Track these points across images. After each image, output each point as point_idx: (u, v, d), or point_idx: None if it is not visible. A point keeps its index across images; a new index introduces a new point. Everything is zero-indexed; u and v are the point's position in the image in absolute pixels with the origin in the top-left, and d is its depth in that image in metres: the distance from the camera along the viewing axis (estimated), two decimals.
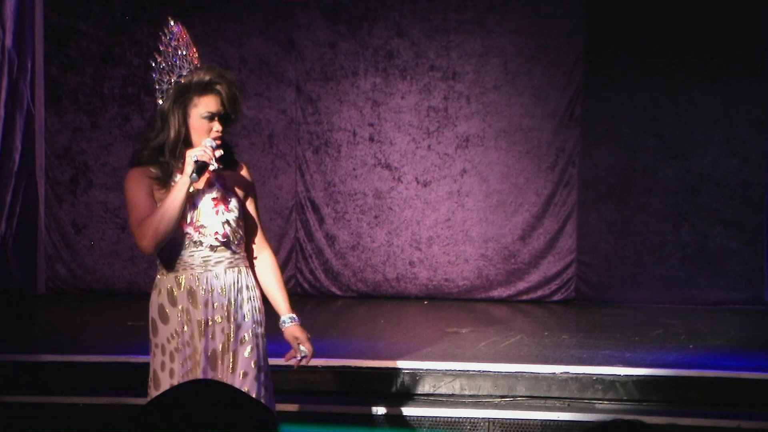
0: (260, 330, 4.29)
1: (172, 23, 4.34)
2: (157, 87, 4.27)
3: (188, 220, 4.17)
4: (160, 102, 4.23)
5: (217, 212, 4.21)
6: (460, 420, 6.02)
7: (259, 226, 4.42)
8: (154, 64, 4.31)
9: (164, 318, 4.22)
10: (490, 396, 6.29)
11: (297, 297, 9.44)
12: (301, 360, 4.32)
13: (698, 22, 9.12)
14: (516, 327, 8.47)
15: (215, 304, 4.19)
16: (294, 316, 4.37)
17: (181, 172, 4.16)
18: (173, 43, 4.29)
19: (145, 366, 6.43)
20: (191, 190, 4.14)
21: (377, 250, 9.62)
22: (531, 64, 9.55)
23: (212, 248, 4.20)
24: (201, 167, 4.08)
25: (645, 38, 9.19)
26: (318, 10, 9.67)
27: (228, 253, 4.23)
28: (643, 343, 7.27)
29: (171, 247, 4.18)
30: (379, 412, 6.10)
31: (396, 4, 9.64)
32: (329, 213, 9.71)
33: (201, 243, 4.19)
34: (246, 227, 4.34)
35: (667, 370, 6.38)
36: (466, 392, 6.31)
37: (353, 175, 9.67)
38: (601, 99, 9.40)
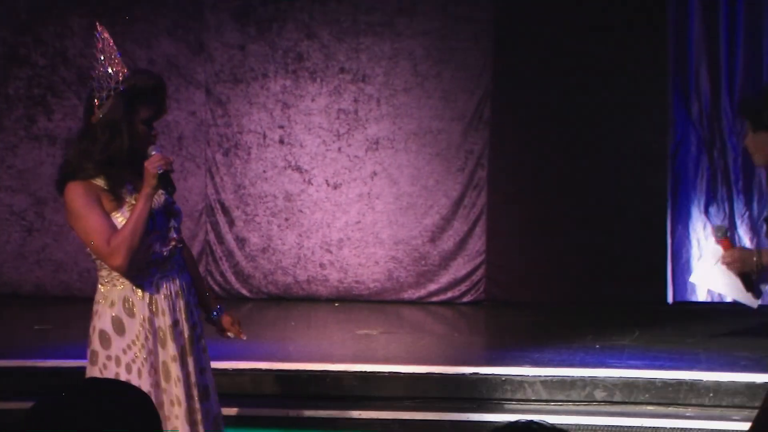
0: (202, 328, 4.37)
1: (100, 30, 4.24)
2: (96, 96, 4.14)
3: (150, 229, 4.13)
4: (99, 112, 4.11)
5: (170, 219, 4.21)
6: (371, 421, 6.05)
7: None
8: (93, 74, 4.20)
9: (119, 329, 4.15)
10: (401, 398, 6.32)
11: None
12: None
13: (604, 24, 9.25)
14: (426, 328, 8.53)
15: (173, 309, 4.19)
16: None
17: (132, 182, 4.12)
18: (106, 51, 4.22)
19: (52, 370, 6.39)
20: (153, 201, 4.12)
21: (288, 253, 9.61)
22: (440, 67, 9.61)
23: (168, 254, 4.20)
24: (169, 176, 4.07)
25: (552, 41, 9.30)
26: (227, 12, 9.63)
27: (177, 257, 4.25)
28: (550, 344, 7.36)
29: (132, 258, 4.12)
30: (290, 415, 6.11)
31: (305, 6, 9.63)
32: (239, 215, 9.67)
33: (160, 250, 4.18)
34: None
35: (574, 369, 6.47)
36: (377, 394, 6.33)
37: (263, 177, 9.65)
38: (509, 101, 9.49)
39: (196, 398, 4.23)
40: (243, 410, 6.11)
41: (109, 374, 4.13)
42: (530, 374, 6.32)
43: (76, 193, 4.08)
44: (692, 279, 4.72)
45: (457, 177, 9.57)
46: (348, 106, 9.64)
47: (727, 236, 4.45)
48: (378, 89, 9.62)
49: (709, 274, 4.48)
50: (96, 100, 4.13)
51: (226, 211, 9.66)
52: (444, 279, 9.58)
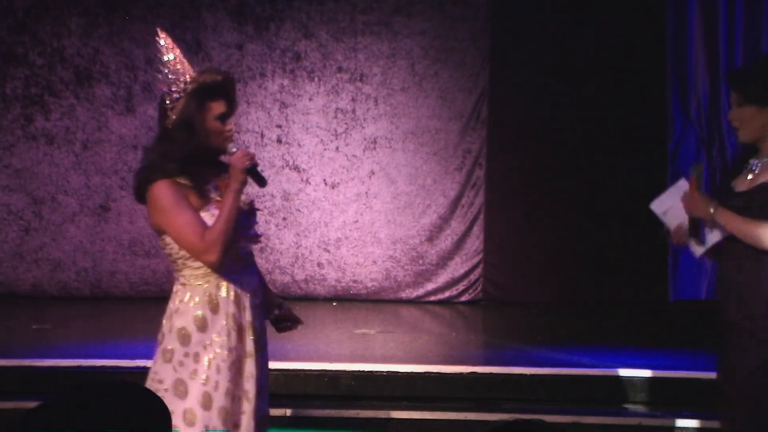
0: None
1: (162, 36, 4.25)
2: (167, 99, 4.16)
3: (239, 226, 4.16)
4: (172, 114, 4.14)
5: (250, 216, 4.25)
6: (369, 420, 6.04)
7: None
8: (161, 77, 4.20)
9: (202, 326, 4.14)
10: (399, 397, 6.32)
11: None
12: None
13: (602, 22, 9.25)
14: (424, 328, 8.53)
15: (254, 306, 4.23)
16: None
17: (213, 180, 4.16)
18: (169, 54, 4.22)
19: (50, 370, 6.38)
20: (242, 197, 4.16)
21: (285, 252, 9.61)
22: (437, 66, 9.62)
23: (250, 251, 4.25)
24: (255, 172, 4.12)
25: (550, 40, 9.30)
26: (225, 11, 9.63)
27: (253, 257, 4.30)
28: (548, 343, 7.36)
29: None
30: (288, 414, 6.10)
31: (303, 6, 9.63)
32: None
33: (245, 247, 4.22)
34: None
35: (572, 369, 6.47)
36: (375, 393, 6.33)
37: None
38: (506, 101, 9.49)
39: (259, 395, 4.27)
40: None
41: (185, 371, 4.11)
42: (528, 373, 6.32)
43: (164, 192, 4.07)
44: (651, 205, 4.65)
45: (455, 176, 9.57)
46: (346, 105, 9.63)
47: (697, 177, 4.40)
48: (376, 89, 9.62)
49: (666, 205, 4.47)
50: (168, 103, 4.16)
51: None
52: (442, 278, 9.58)
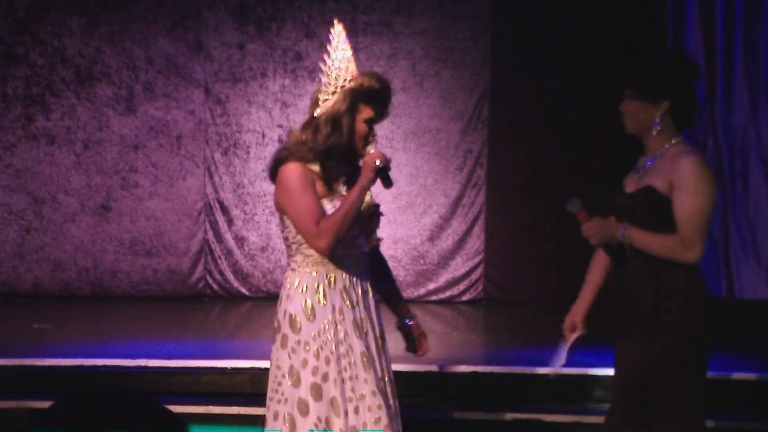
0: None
1: (338, 27, 4.31)
2: (323, 90, 4.27)
3: (357, 223, 4.23)
4: (324, 106, 4.24)
5: (372, 219, 4.33)
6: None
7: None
8: (323, 67, 4.29)
9: (311, 315, 4.20)
10: (400, 396, 6.32)
11: (206, 298, 9.40)
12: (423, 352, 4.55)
13: (602, 23, 9.25)
14: (425, 327, 8.51)
15: (365, 305, 4.28)
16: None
17: (347, 176, 4.22)
18: (340, 49, 4.29)
19: (51, 369, 6.38)
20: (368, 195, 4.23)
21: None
22: (438, 66, 9.62)
23: (366, 252, 4.31)
24: (386, 171, 4.16)
25: (550, 40, 9.31)
26: (226, 11, 9.63)
27: (370, 257, 4.35)
28: (549, 342, 7.35)
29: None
30: None
31: (304, 6, 9.64)
32: (238, 214, 9.68)
33: (362, 246, 4.29)
34: None
35: (573, 368, 6.46)
36: None
37: (262, 176, 9.64)
38: (507, 100, 9.49)
39: (391, 395, 4.29)
40: (242, 409, 6.10)
41: (298, 358, 4.16)
42: (529, 373, 6.32)
43: (293, 173, 4.18)
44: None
45: (456, 176, 9.57)
46: None
47: (583, 208, 4.39)
48: None
49: None
50: (322, 95, 4.26)
51: (225, 210, 9.66)
52: (443, 278, 9.59)
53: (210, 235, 9.70)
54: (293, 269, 4.27)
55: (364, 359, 4.21)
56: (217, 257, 9.68)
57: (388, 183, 4.20)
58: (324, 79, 4.29)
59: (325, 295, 4.21)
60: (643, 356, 4.17)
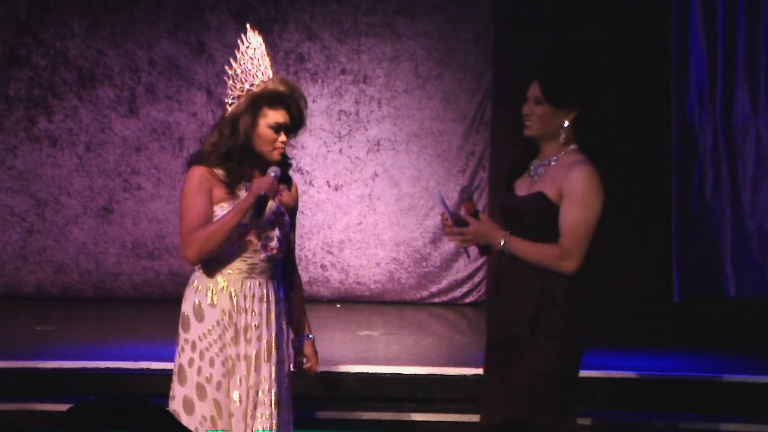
0: (284, 340, 4.40)
1: (250, 31, 4.34)
2: (229, 93, 4.29)
3: (254, 229, 4.22)
4: (229, 108, 4.27)
5: (274, 227, 4.27)
6: (373, 422, 6.04)
7: (293, 245, 4.51)
8: (229, 71, 4.30)
9: (199, 316, 4.24)
10: (402, 399, 6.32)
11: None
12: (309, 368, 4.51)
13: (605, 25, 9.24)
14: (428, 330, 8.53)
15: (255, 311, 4.25)
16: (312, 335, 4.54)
17: (248, 181, 4.22)
18: (249, 52, 4.32)
19: (53, 371, 6.38)
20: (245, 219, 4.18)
21: None
22: (441, 68, 9.61)
23: (263, 259, 4.26)
24: (265, 202, 4.11)
25: (552, 41, 9.29)
26: (228, 13, 9.63)
27: (272, 265, 4.30)
28: None
29: (225, 251, 4.22)
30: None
31: (307, 8, 9.63)
32: None
33: (258, 252, 4.25)
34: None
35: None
36: (379, 395, 6.32)
37: None
38: (510, 102, 9.41)
39: (269, 405, 4.26)
40: None
41: (185, 357, 4.23)
42: None
43: (191, 177, 4.23)
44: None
45: (458, 178, 9.56)
46: (349, 107, 9.63)
47: (471, 199, 4.38)
48: (379, 90, 9.62)
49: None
50: (229, 98, 4.29)
51: None
52: (445, 280, 9.58)
53: None
54: (194, 270, 4.33)
55: (250, 365, 4.22)
56: None
57: (257, 214, 4.13)
58: (229, 83, 4.30)
59: (214, 297, 4.24)
60: (526, 361, 4.16)
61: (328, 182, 9.64)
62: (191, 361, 4.22)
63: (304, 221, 9.59)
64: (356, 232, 9.63)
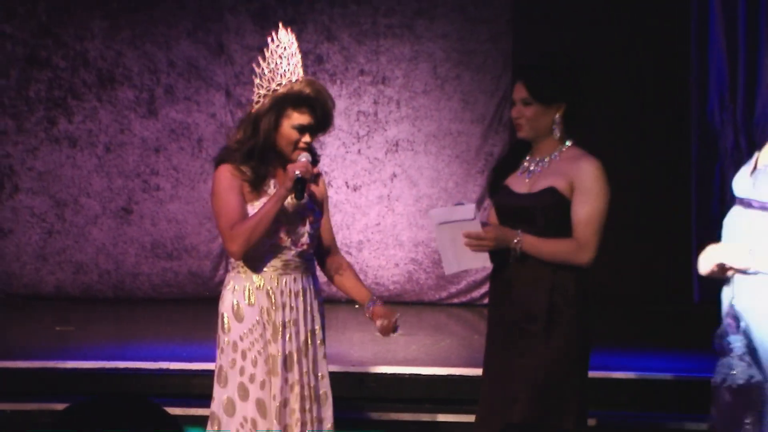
0: (324, 335, 4.46)
1: (282, 30, 4.39)
2: (255, 91, 4.34)
3: (283, 226, 4.26)
4: (256, 107, 4.30)
5: (305, 222, 4.33)
6: (391, 423, 6.04)
7: (332, 234, 4.61)
8: (257, 69, 4.36)
9: (239, 316, 4.27)
10: (421, 399, 6.31)
11: None
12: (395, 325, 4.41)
13: (624, 25, 9.22)
14: (447, 330, 8.52)
15: (293, 307, 4.29)
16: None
17: (275, 178, 4.27)
18: (279, 51, 4.36)
19: (73, 371, 6.40)
20: (287, 203, 4.24)
21: None
22: (459, 69, 9.61)
23: (296, 255, 4.30)
24: (303, 183, 4.16)
25: (571, 42, 9.27)
26: (247, 14, 9.64)
27: (304, 260, 4.34)
28: None
29: (258, 249, 4.24)
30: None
31: (325, 9, 9.64)
32: None
33: (289, 249, 4.28)
34: (321, 235, 4.50)
35: (593, 372, 6.43)
36: (397, 396, 6.32)
37: None
38: None
39: (309, 399, 4.29)
40: None
41: (226, 358, 4.24)
42: None
43: (221, 175, 4.26)
44: (431, 212, 4.54)
45: (477, 179, 9.55)
46: (368, 108, 9.64)
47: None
48: (398, 91, 9.62)
49: (445, 219, 4.26)
50: (255, 96, 4.34)
51: None
52: (464, 281, 9.57)
53: None
54: (229, 270, 4.36)
55: (291, 361, 4.25)
56: None
57: (299, 195, 4.20)
58: (256, 81, 4.34)
59: (252, 296, 4.26)
60: (541, 356, 4.17)
61: (346, 183, 9.64)
62: (233, 362, 4.24)
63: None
64: (375, 232, 9.63)
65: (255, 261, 4.26)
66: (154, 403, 2.20)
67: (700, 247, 4.20)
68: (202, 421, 4.56)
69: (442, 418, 6.08)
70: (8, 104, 9.62)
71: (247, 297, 4.26)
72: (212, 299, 9.50)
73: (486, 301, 9.43)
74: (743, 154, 9.02)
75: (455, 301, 9.58)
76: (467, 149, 9.61)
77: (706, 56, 9.14)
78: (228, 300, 4.30)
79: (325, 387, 4.39)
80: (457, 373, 6.39)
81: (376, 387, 6.34)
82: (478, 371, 6.35)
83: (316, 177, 4.45)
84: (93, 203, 9.60)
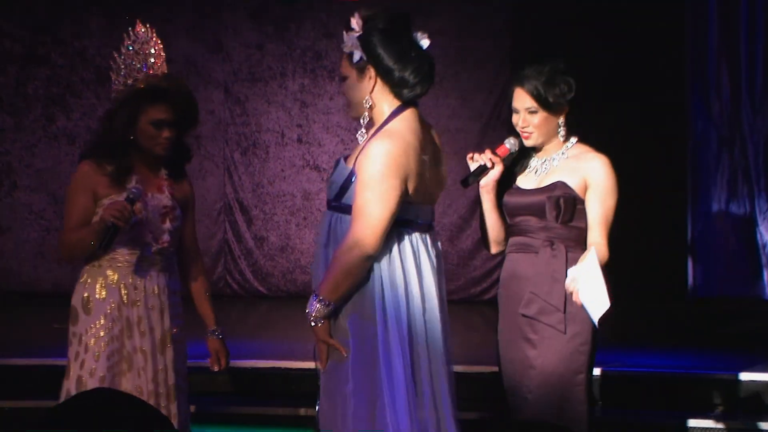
0: (182, 334, 4.38)
1: (140, 27, 4.34)
2: (113, 87, 4.34)
3: (143, 223, 4.20)
4: (113, 102, 4.31)
5: (164, 220, 4.25)
6: None
7: (194, 237, 4.49)
8: (113, 65, 4.35)
9: (87, 309, 4.23)
10: None
11: (226, 298, 9.41)
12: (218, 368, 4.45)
13: (622, 23, 9.22)
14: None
15: (148, 304, 4.24)
16: (219, 330, 4.46)
17: (138, 174, 4.23)
18: (134, 47, 4.36)
19: None
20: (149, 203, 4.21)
21: (306, 251, 9.62)
22: (457, 67, 9.61)
23: (154, 252, 4.24)
24: (114, 232, 4.06)
25: (569, 40, 9.27)
26: (245, 11, 9.65)
27: (163, 258, 4.28)
28: None
29: (116, 244, 4.18)
30: (310, 414, 6.10)
31: (323, 6, 9.64)
32: (258, 214, 9.68)
33: (146, 246, 4.23)
34: (182, 237, 4.40)
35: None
36: None
37: (281, 176, 9.66)
38: None
39: (166, 396, 4.25)
40: (260, 409, 6.12)
41: (72, 350, 4.21)
42: None
43: (77, 174, 4.30)
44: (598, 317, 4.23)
45: None
46: None
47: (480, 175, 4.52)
48: None
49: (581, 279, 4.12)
50: (113, 92, 4.35)
51: (244, 210, 9.67)
52: (462, 278, 9.58)
53: (229, 235, 9.71)
54: (86, 262, 4.32)
55: (138, 358, 4.20)
56: (236, 257, 9.69)
57: (100, 244, 4.09)
58: (113, 77, 4.36)
59: (104, 291, 4.22)
60: (559, 349, 4.18)
61: None
62: (76, 355, 4.20)
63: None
64: None
65: (113, 256, 4.21)
66: (145, 403, 2.20)
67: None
68: (192, 418, 4.58)
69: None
70: (6, 101, 9.62)
71: (98, 291, 4.22)
72: (210, 296, 9.53)
73: (485, 297, 9.48)
74: (749, 154, 9.04)
75: (454, 297, 9.55)
76: (465, 146, 9.58)
77: (705, 56, 9.14)
78: (79, 292, 4.28)
79: (180, 382, 4.31)
80: (456, 371, 6.38)
81: None
82: (476, 368, 6.37)
83: (181, 177, 4.36)
84: None
